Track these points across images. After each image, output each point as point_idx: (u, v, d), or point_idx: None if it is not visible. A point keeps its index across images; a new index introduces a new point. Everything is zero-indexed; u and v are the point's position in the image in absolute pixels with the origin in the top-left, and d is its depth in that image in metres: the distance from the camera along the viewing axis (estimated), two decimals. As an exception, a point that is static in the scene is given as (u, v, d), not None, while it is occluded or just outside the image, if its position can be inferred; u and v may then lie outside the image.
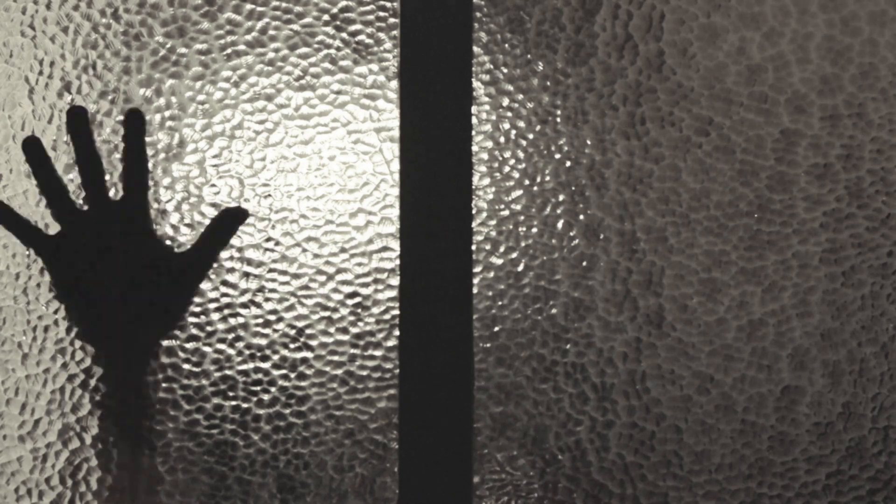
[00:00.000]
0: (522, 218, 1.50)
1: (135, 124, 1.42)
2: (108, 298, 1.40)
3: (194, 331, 1.47)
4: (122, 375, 1.45)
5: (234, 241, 1.48)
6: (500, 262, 1.49)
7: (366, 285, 1.49)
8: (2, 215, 1.41)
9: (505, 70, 1.50)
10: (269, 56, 1.50)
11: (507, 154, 1.50)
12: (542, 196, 1.50)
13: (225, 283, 1.48)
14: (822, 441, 1.49)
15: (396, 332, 1.47)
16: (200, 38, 1.50)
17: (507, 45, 1.50)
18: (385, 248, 1.49)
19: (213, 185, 1.49)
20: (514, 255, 1.49)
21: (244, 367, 1.47)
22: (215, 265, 1.47)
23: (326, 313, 1.48)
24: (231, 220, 1.46)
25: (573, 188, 1.50)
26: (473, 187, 1.49)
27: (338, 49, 1.50)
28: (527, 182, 1.50)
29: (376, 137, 1.50)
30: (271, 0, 1.50)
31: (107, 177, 1.46)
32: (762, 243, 1.50)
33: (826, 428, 1.49)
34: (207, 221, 1.47)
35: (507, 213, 1.50)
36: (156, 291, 1.42)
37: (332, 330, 1.48)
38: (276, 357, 1.48)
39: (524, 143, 1.50)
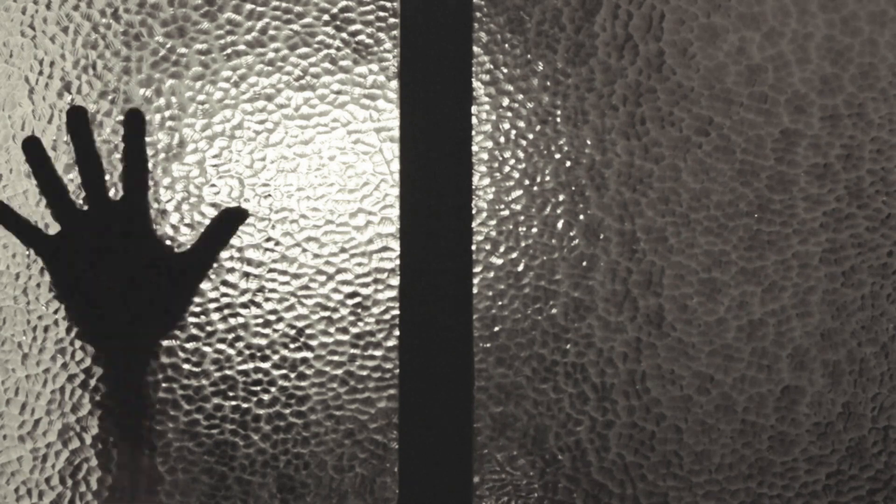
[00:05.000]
0: (522, 218, 1.50)
1: (135, 124, 1.42)
2: (108, 299, 1.40)
3: (194, 331, 1.47)
4: (122, 375, 1.45)
5: (234, 241, 1.48)
6: (500, 262, 1.49)
7: (366, 285, 1.49)
8: (2, 215, 1.41)
9: (505, 70, 1.50)
10: (269, 56, 1.50)
11: (507, 154, 1.50)
12: (542, 196, 1.50)
13: (225, 283, 1.48)
14: (822, 441, 1.49)
15: (396, 332, 1.47)
16: (200, 38, 1.50)
17: (507, 45, 1.50)
18: (385, 248, 1.49)
19: (213, 185, 1.49)
20: (514, 255, 1.49)
21: (244, 367, 1.47)
22: (215, 265, 1.47)
23: (326, 313, 1.48)
24: (231, 219, 1.46)
25: (573, 188, 1.50)
26: (473, 187, 1.49)
27: (338, 49, 1.50)
28: (527, 182, 1.50)
29: (376, 137, 1.50)
30: (271, 0, 1.50)
31: (107, 177, 1.46)
32: (762, 243, 1.50)
33: (826, 428, 1.49)
34: (207, 221, 1.47)
35: (507, 213, 1.50)
36: (156, 291, 1.42)
37: (332, 330, 1.48)
38: (276, 357, 1.48)
39: (524, 143, 1.50)
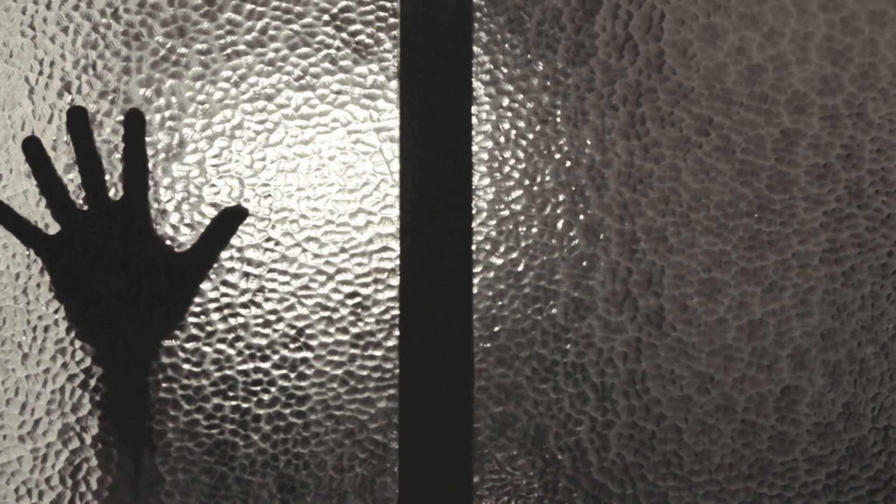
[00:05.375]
0: (522, 218, 1.50)
1: (135, 124, 1.42)
2: (109, 299, 1.40)
3: (194, 331, 1.47)
4: (123, 376, 1.45)
5: (234, 241, 1.48)
6: (500, 262, 1.49)
7: (366, 285, 1.49)
8: (2, 215, 1.41)
9: (505, 70, 1.50)
10: (269, 56, 1.50)
11: (507, 154, 1.50)
12: (542, 196, 1.50)
13: (225, 283, 1.48)
14: (822, 441, 1.49)
15: (396, 332, 1.47)
16: (200, 38, 1.50)
17: (507, 45, 1.50)
18: (385, 248, 1.49)
19: (213, 185, 1.49)
20: (514, 255, 1.49)
21: (244, 367, 1.47)
22: (215, 265, 1.47)
23: (326, 313, 1.48)
24: (231, 219, 1.46)
25: (573, 188, 1.50)
26: (473, 187, 1.49)
27: (338, 49, 1.50)
28: (527, 182, 1.50)
29: (376, 137, 1.50)
30: (271, 0, 1.50)
31: (107, 177, 1.46)
32: (762, 243, 1.50)
33: (826, 428, 1.49)
34: (207, 221, 1.47)
35: (507, 213, 1.50)
36: (156, 292, 1.42)
37: (332, 330, 1.48)
38: (276, 357, 1.48)
39: (524, 143, 1.50)
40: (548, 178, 1.50)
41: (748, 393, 1.49)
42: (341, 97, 1.50)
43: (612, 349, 1.49)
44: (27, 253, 1.47)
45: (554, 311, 1.49)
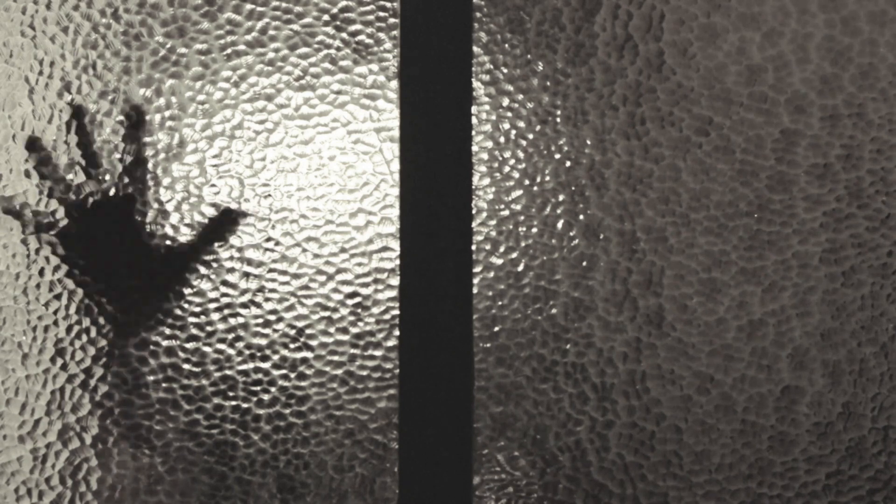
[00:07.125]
0: (522, 218, 1.50)
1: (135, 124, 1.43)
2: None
3: (194, 331, 1.47)
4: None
5: (234, 240, 1.48)
6: (500, 262, 1.49)
7: (366, 285, 1.49)
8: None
9: (505, 70, 1.50)
10: (269, 56, 1.50)
11: (507, 154, 1.50)
12: (542, 196, 1.50)
13: (225, 283, 1.48)
14: (822, 441, 1.49)
15: (396, 332, 1.48)
16: (200, 38, 1.50)
17: (507, 45, 1.51)
18: (385, 248, 1.49)
19: (213, 185, 1.49)
20: (514, 255, 1.50)
21: (244, 367, 1.48)
22: (215, 264, 1.48)
23: (326, 313, 1.48)
24: (224, 220, 1.46)
25: (573, 188, 1.50)
26: (473, 187, 1.49)
27: (338, 49, 1.50)
28: (527, 182, 1.50)
29: (376, 137, 1.50)
30: (271, 0, 1.50)
31: (107, 176, 1.46)
32: (762, 243, 1.50)
33: (826, 428, 1.49)
34: (207, 221, 1.47)
35: (507, 213, 1.50)
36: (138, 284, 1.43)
37: (332, 330, 1.48)
38: (276, 357, 1.48)
39: (524, 143, 1.50)
40: (548, 178, 1.50)
41: (748, 393, 1.49)
42: (341, 97, 1.50)
43: (612, 349, 1.49)
44: (27, 253, 1.47)
45: (554, 311, 1.49)
